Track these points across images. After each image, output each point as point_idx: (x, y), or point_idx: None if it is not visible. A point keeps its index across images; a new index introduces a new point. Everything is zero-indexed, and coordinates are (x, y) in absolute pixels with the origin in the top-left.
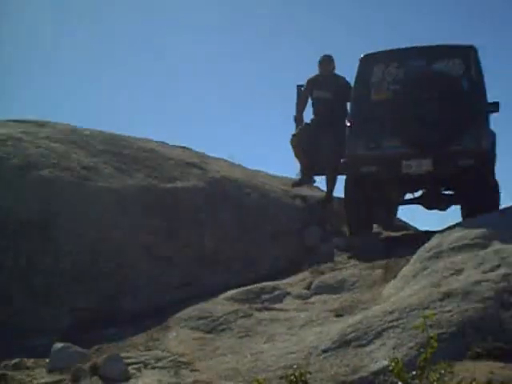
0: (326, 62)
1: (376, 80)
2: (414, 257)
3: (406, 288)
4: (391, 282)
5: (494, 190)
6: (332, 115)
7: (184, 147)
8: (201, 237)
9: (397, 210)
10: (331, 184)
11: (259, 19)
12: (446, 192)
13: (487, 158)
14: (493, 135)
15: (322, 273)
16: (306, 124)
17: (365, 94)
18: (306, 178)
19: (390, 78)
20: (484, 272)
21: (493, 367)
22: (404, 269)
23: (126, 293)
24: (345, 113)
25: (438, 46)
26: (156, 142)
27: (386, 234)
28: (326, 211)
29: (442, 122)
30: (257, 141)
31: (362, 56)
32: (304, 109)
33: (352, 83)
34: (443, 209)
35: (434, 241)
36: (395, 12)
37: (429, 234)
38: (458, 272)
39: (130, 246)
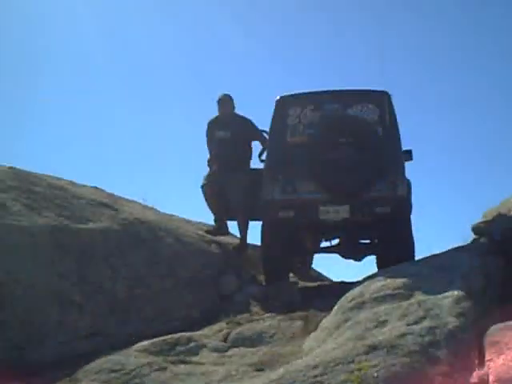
0: (224, 101)
1: (292, 123)
2: (336, 307)
3: (328, 340)
4: (312, 335)
5: (409, 239)
6: (233, 156)
7: (94, 187)
8: (113, 282)
9: (312, 259)
10: (244, 230)
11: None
12: (363, 241)
13: (404, 206)
14: (408, 184)
15: (239, 324)
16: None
17: (281, 136)
18: (221, 228)
19: (305, 121)
20: (408, 324)
21: None
22: (325, 320)
23: (34, 341)
24: (248, 152)
25: (352, 90)
26: (65, 180)
27: (302, 283)
28: (241, 258)
29: (358, 168)
30: (170, 184)
31: (277, 98)
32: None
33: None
34: (359, 259)
35: (355, 291)
36: None
37: (345, 285)
38: (382, 324)
39: (40, 290)
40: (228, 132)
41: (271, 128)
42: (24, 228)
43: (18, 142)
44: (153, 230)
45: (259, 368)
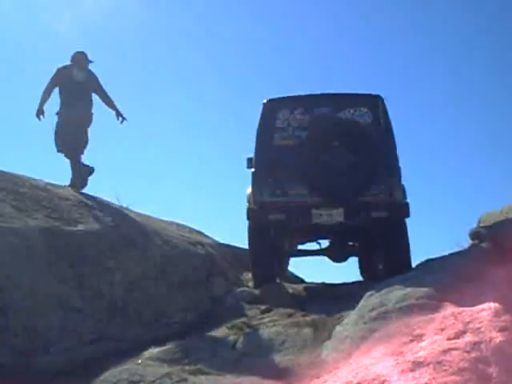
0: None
1: (281, 125)
2: (353, 316)
3: (358, 353)
4: (328, 344)
5: (406, 244)
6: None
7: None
8: (111, 286)
9: (289, 261)
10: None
11: None
12: (350, 243)
13: (401, 210)
14: (403, 188)
15: (241, 329)
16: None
17: (269, 139)
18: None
19: (295, 123)
20: (449, 339)
21: None
22: (342, 329)
23: (39, 348)
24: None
25: (344, 94)
26: (42, 180)
27: (288, 285)
28: (226, 260)
29: (352, 172)
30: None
31: (265, 101)
32: None
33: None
34: (343, 261)
35: (373, 299)
36: None
37: (331, 287)
38: (419, 338)
39: (39, 295)
40: (82, 76)
41: (259, 130)
42: (18, 230)
43: None
44: (141, 232)
45: (288, 382)
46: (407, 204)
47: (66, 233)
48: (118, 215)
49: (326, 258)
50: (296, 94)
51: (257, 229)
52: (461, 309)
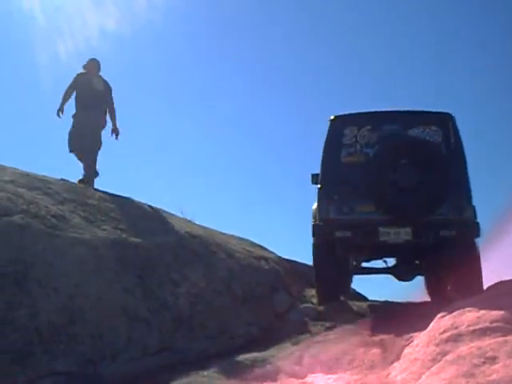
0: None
1: (348, 142)
2: (425, 338)
3: (427, 374)
4: (397, 365)
5: (476, 265)
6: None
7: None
8: (176, 297)
9: (352, 278)
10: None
11: None
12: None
13: (471, 230)
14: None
15: (307, 346)
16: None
17: (336, 155)
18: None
19: (362, 141)
20: None
21: None
22: (412, 351)
23: (105, 356)
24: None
25: (413, 111)
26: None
27: (351, 303)
28: (289, 275)
29: (421, 190)
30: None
31: (332, 117)
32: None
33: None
34: (407, 279)
35: (445, 321)
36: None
37: (395, 306)
38: (491, 360)
39: (107, 305)
40: (101, 85)
41: (325, 147)
42: (86, 241)
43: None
44: (205, 245)
45: None
46: (477, 224)
47: (133, 244)
48: (183, 228)
49: (387, 276)
50: (363, 110)
51: (322, 245)
52: None
